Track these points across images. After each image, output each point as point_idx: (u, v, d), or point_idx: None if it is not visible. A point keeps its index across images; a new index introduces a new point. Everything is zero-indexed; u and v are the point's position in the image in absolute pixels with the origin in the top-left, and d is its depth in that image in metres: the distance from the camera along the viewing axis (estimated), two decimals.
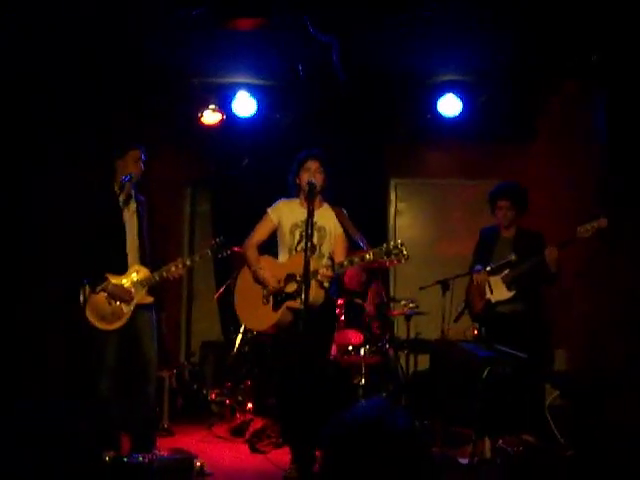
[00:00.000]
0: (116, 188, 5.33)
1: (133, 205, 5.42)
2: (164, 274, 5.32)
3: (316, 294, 5.07)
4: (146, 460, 5.00)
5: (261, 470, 5.33)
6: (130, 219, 5.39)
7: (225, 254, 5.51)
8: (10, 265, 6.59)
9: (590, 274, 6.54)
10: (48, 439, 1.62)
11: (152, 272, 5.35)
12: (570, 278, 5.91)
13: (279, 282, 5.21)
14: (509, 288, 5.96)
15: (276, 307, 5.21)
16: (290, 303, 5.12)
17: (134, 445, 5.41)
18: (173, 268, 5.32)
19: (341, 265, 5.06)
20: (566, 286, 6.30)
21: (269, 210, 5.46)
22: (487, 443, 5.42)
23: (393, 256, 4.83)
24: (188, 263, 5.40)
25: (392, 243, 4.85)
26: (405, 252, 4.81)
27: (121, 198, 5.29)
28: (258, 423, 6.31)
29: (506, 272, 5.96)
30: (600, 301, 6.47)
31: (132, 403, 5.43)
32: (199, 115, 7.55)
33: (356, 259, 4.98)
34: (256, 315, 5.35)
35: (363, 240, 5.12)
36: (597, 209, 6.14)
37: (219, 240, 5.44)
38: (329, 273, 4.99)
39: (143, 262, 5.40)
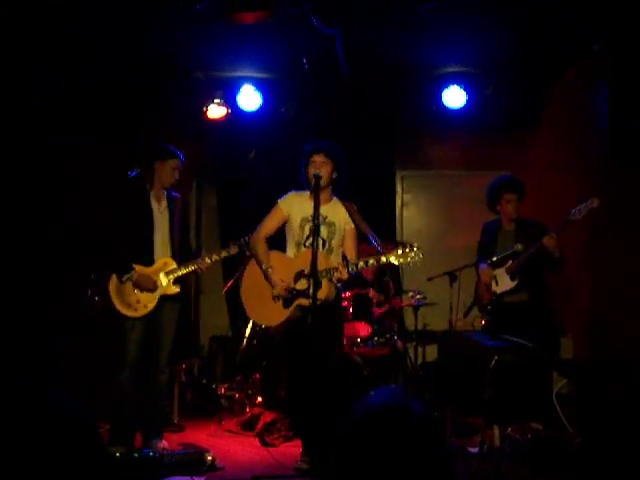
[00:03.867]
0: (147, 186, 5.59)
1: (164, 201, 5.64)
2: (190, 267, 5.56)
3: (328, 291, 5.09)
4: (157, 455, 5.04)
5: (272, 463, 5.34)
6: (161, 215, 5.61)
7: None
8: (39, 260, 6.67)
9: (593, 261, 6.53)
10: (56, 434, 1.62)
11: (179, 265, 5.56)
12: (573, 266, 5.91)
13: (287, 286, 5.22)
14: (512, 278, 5.98)
15: (287, 304, 5.21)
16: (301, 301, 5.11)
17: (144, 438, 5.56)
18: (200, 262, 5.56)
19: (356, 265, 5.05)
20: (569, 274, 6.29)
21: (280, 201, 5.42)
22: (496, 432, 5.43)
23: (409, 259, 4.87)
24: (214, 258, 5.60)
25: (408, 247, 4.89)
26: (421, 256, 4.86)
27: (152, 195, 5.58)
28: (268, 416, 6.33)
29: (509, 264, 5.98)
30: (604, 288, 6.46)
31: (144, 393, 5.57)
32: (204, 109, 7.56)
33: (371, 261, 5.00)
34: (265, 310, 5.34)
35: (375, 237, 5.12)
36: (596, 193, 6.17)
37: (248, 238, 5.54)
38: (344, 274, 5.01)
39: (173, 256, 5.61)
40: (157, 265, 5.54)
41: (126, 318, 5.45)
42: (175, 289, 5.57)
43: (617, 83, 6.30)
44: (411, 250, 4.88)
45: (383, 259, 4.94)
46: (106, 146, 7.04)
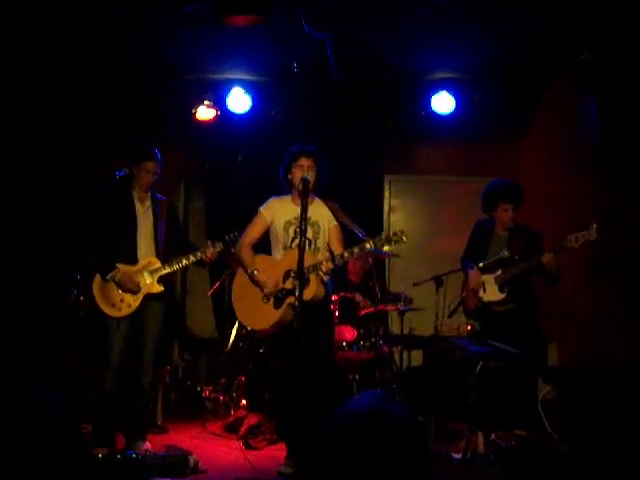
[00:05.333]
0: (131, 187, 5.64)
1: (148, 202, 5.67)
2: (175, 266, 5.57)
3: (317, 288, 5.09)
4: (140, 457, 5.02)
5: (255, 466, 5.33)
6: (145, 215, 5.64)
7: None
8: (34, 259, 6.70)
9: (584, 269, 6.55)
10: (40, 433, 1.61)
11: (163, 264, 5.56)
12: (564, 274, 5.92)
13: (277, 284, 5.22)
14: (501, 290, 5.95)
15: (277, 305, 5.20)
16: (291, 299, 5.10)
17: (127, 439, 5.56)
18: (185, 261, 5.57)
19: (341, 256, 5.06)
20: (560, 282, 6.30)
21: (261, 209, 5.46)
22: (480, 438, 5.44)
23: (393, 243, 4.87)
24: (199, 255, 5.56)
25: (392, 231, 4.90)
26: (405, 238, 4.85)
27: (135, 195, 5.62)
28: (252, 419, 6.31)
29: (499, 273, 5.95)
30: (595, 296, 6.48)
31: (128, 395, 5.56)
32: (193, 111, 7.56)
33: (356, 249, 4.99)
34: (257, 314, 5.33)
35: (360, 230, 5.14)
36: (587, 211, 6.17)
37: (233, 235, 5.54)
38: (330, 265, 5.00)
39: (157, 255, 5.62)
40: (141, 264, 5.55)
41: (110, 318, 5.46)
42: (159, 288, 5.57)
43: (606, 91, 6.33)
44: (394, 235, 4.89)
45: (367, 246, 4.93)
46: (97, 146, 7.06)
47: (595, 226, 5.46)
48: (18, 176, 6.63)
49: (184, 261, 5.55)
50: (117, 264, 5.48)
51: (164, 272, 5.55)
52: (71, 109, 6.89)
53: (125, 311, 5.46)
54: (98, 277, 5.51)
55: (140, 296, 5.50)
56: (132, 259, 5.54)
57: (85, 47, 6.38)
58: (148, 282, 5.51)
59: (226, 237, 5.57)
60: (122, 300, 5.47)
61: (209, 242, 5.60)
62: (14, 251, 6.52)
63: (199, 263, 5.67)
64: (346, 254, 5.06)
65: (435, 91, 7.50)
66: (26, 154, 6.72)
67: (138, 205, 5.62)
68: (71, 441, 1.68)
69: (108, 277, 5.45)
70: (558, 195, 7.27)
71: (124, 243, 5.54)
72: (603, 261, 6.29)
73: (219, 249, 5.57)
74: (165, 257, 5.62)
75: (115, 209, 5.59)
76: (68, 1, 5.60)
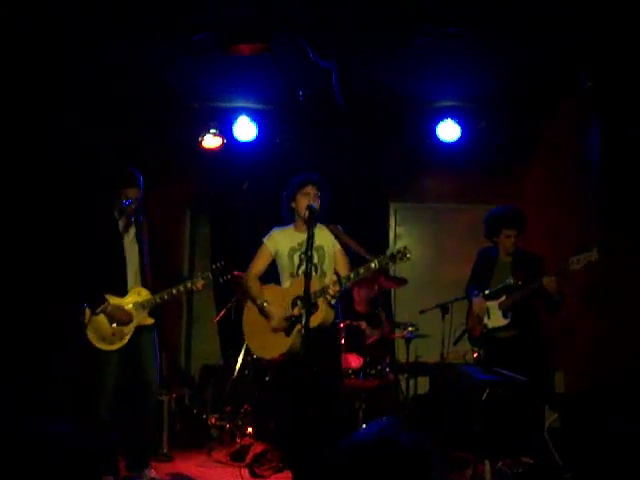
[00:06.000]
0: (116, 215, 5.48)
1: (133, 230, 5.55)
2: (165, 297, 5.45)
3: (326, 312, 5.08)
4: None
5: None
6: (131, 244, 5.52)
7: (226, 278, 5.59)
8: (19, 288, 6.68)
9: (591, 297, 6.54)
10: (48, 461, 1.62)
11: (153, 294, 5.46)
12: (570, 300, 5.91)
13: (282, 317, 5.21)
14: (505, 315, 5.94)
15: (289, 332, 5.21)
16: (300, 326, 5.10)
17: (131, 467, 5.49)
18: (174, 291, 5.45)
19: (347, 278, 5.05)
20: (566, 308, 6.30)
21: (265, 240, 5.48)
22: (487, 466, 5.40)
23: (398, 260, 4.87)
24: (189, 286, 5.47)
25: (395, 248, 4.90)
26: (409, 255, 4.85)
27: (121, 223, 5.47)
28: (258, 447, 6.27)
29: (503, 299, 5.95)
30: (601, 324, 6.46)
31: (130, 423, 5.49)
32: (200, 139, 7.61)
33: (361, 270, 4.98)
34: (269, 343, 5.31)
35: (364, 251, 5.14)
36: (590, 238, 6.16)
37: (219, 265, 5.52)
38: (337, 288, 5.00)
39: (145, 285, 5.51)
40: (131, 295, 5.46)
41: (100, 352, 5.36)
42: (150, 320, 5.49)
43: (608, 118, 6.35)
44: (399, 252, 4.90)
45: (372, 265, 4.92)
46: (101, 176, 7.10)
47: (596, 247, 5.46)
48: (21, 185, 6.66)
49: (174, 292, 5.45)
50: (106, 296, 5.37)
51: (155, 303, 5.46)
52: (74, 138, 6.93)
53: (117, 345, 5.36)
54: (87, 311, 5.38)
55: (132, 328, 5.40)
56: (121, 291, 5.44)
57: (91, 76, 6.43)
58: (140, 315, 5.42)
59: (213, 267, 5.55)
60: (114, 334, 5.36)
61: (198, 273, 5.56)
62: (18, 267, 6.52)
63: (190, 293, 5.62)
64: (352, 275, 5.05)
65: (439, 119, 7.53)
66: (28, 169, 6.76)
67: (124, 236, 5.51)
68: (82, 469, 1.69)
69: (98, 310, 5.33)
70: (562, 223, 7.27)
71: (112, 276, 5.42)
72: (604, 285, 6.28)
73: (208, 280, 5.53)
74: (152, 285, 5.53)
75: (102, 241, 5.46)
76: (74, 31, 5.67)
